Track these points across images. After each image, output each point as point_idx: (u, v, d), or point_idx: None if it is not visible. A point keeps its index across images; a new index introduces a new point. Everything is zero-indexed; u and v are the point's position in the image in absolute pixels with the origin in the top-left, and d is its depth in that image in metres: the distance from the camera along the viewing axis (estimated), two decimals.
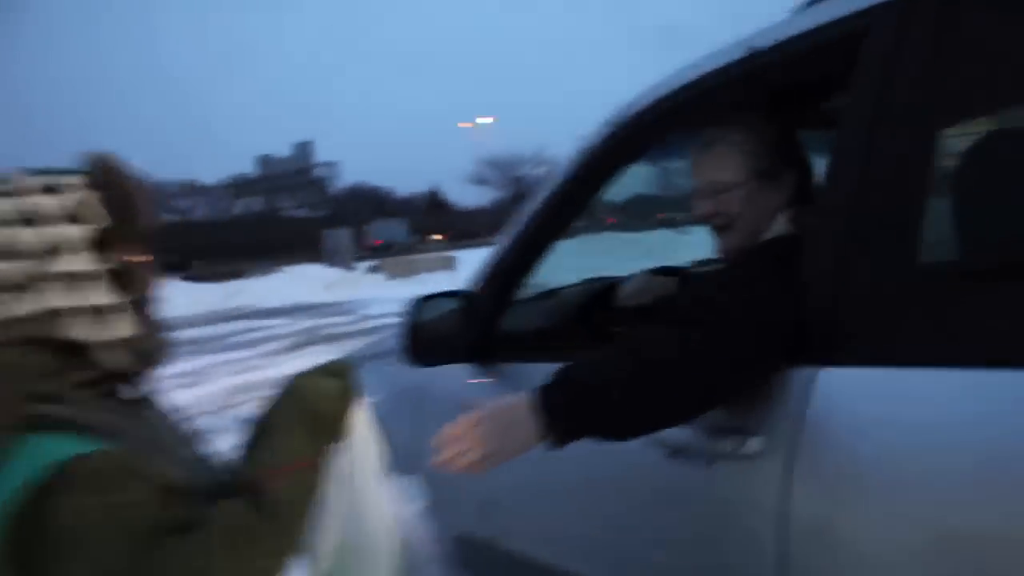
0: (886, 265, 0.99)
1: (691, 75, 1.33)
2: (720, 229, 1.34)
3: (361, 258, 26.32)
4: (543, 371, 1.10)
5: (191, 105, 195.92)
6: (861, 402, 0.97)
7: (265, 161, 76.16)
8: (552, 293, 2.04)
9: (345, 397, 0.95)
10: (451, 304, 1.73)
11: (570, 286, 2.02)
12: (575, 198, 1.60)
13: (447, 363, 1.72)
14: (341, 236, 25.65)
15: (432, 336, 1.73)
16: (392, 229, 48.28)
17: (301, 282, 18.26)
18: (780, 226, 1.30)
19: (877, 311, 0.99)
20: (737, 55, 1.26)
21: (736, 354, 1.07)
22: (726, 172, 1.30)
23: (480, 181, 56.78)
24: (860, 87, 1.06)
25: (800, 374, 1.04)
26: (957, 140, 1.04)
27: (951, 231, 0.99)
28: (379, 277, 19.40)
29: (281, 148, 79.49)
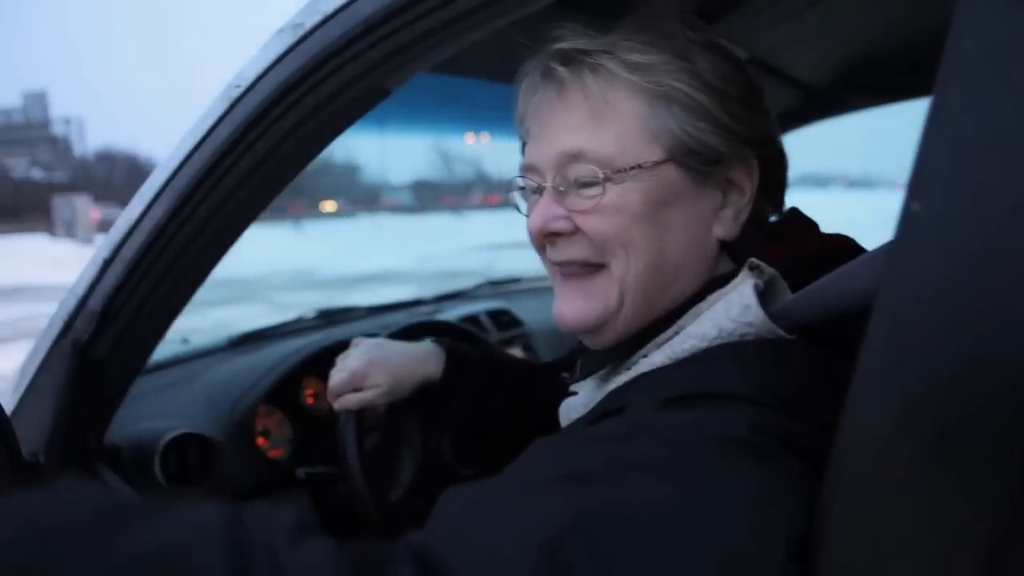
0: None
1: None
2: (572, 274, 0.62)
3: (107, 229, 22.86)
4: None
5: None
6: None
7: None
8: (241, 346, 1.17)
9: None
10: None
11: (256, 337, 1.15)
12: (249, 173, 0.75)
13: None
14: (78, 204, 22.00)
15: None
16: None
17: (19, 257, 15.26)
18: (740, 304, 0.57)
19: None
20: None
21: None
22: (609, 138, 0.58)
23: None
24: None
25: None
26: None
27: None
28: None
29: (7, 98, 68.54)
